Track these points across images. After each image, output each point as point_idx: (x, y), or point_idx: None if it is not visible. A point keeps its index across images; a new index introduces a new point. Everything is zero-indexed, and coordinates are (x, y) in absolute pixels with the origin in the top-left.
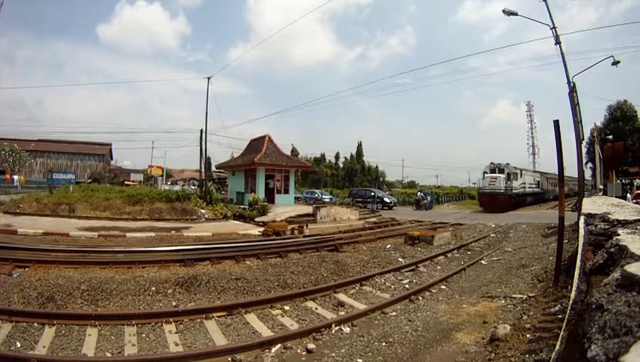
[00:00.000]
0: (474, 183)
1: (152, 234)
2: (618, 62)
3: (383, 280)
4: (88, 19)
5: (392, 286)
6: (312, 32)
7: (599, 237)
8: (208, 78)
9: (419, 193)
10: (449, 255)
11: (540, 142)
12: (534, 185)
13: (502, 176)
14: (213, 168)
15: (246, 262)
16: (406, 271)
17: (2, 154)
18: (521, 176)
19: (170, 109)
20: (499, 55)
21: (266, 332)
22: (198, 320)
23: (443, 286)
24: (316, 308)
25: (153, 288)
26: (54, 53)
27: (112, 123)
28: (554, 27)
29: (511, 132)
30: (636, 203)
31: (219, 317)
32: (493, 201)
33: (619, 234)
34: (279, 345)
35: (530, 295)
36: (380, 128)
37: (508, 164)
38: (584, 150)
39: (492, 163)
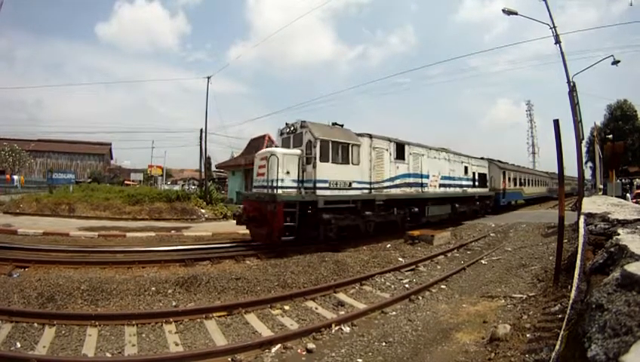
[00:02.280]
0: None
1: (152, 233)
2: (618, 61)
3: (382, 280)
4: (87, 19)
5: (392, 286)
6: (312, 31)
7: (599, 236)
8: (208, 78)
9: None
10: (449, 254)
11: (540, 141)
12: (470, 183)
13: (283, 155)
14: (213, 168)
15: (246, 261)
16: (406, 271)
17: (2, 154)
18: (397, 157)
19: (170, 109)
20: (499, 54)
21: (266, 332)
22: (198, 320)
23: (443, 286)
24: (316, 308)
25: (153, 288)
26: (54, 53)
27: (111, 123)
28: (554, 27)
29: (511, 131)
30: (636, 202)
31: (219, 317)
32: (257, 217)
33: (619, 234)
34: (279, 345)
35: (530, 294)
36: (379, 127)
37: (336, 125)
38: (584, 149)
39: (287, 124)
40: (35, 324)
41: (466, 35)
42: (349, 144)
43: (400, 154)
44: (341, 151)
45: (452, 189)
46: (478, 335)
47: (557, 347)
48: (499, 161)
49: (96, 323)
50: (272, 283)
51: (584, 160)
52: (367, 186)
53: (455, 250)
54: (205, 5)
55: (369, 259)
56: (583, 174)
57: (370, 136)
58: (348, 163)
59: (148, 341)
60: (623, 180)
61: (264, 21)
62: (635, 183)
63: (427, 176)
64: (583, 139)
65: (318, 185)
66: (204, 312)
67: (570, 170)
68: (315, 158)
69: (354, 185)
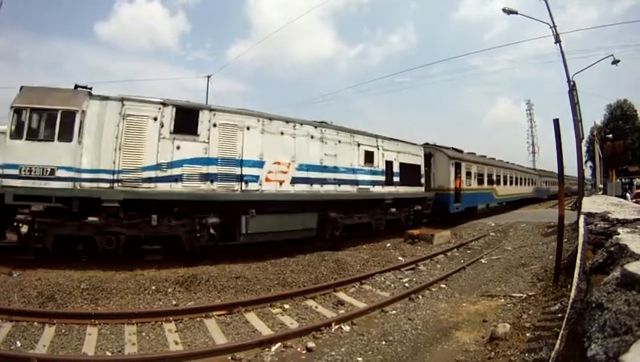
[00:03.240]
0: None
1: None
2: (618, 61)
3: (382, 279)
4: (87, 18)
5: (392, 285)
6: (312, 30)
7: (599, 236)
8: (208, 77)
9: None
10: (449, 253)
11: (540, 141)
12: (379, 178)
13: None
14: None
15: (246, 260)
16: (406, 270)
17: None
18: (179, 130)
19: None
20: (499, 53)
21: (265, 330)
22: (198, 319)
23: (443, 285)
24: (316, 307)
25: (153, 287)
26: (53, 52)
27: None
28: (554, 26)
29: (511, 130)
30: (636, 202)
31: (219, 315)
32: None
33: (619, 233)
34: (279, 344)
35: (530, 294)
36: (379, 127)
37: (78, 87)
38: (584, 149)
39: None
40: (35, 323)
41: (466, 33)
42: (56, 111)
43: (187, 125)
44: (44, 122)
45: (328, 187)
46: (477, 334)
47: (557, 346)
48: (453, 149)
49: (97, 322)
50: (272, 282)
51: (584, 159)
52: (107, 177)
53: (455, 249)
54: (205, 4)
55: (369, 258)
56: (582, 174)
57: (122, 100)
58: (52, 139)
59: (148, 339)
60: (623, 180)
61: (264, 20)
62: (635, 183)
63: (258, 164)
64: (582, 138)
65: (7, 171)
66: (204, 311)
67: (570, 169)
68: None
69: (60, 173)
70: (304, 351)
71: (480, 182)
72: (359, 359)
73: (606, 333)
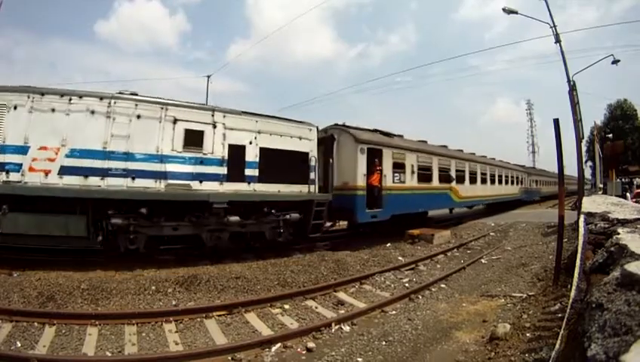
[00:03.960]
0: None
1: None
2: (618, 60)
3: (382, 279)
4: (86, 18)
5: (392, 285)
6: (312, 30)
7: (599, 236)
8: (208, 77)
9: None
10: (449, 253)
11: (540, 140)
12: (214, 170)
13: None
14: None
15: (246, 260)
16: (406, 270)
17: None
18: None
19: None
20: (499, 53)
21: (265, 331)
22: (198, 319)
23: (443, 285)
24: (316, 307)
25: (153, 287)
26: (51, 52)
27: None
28: (554, 26)
29: (511, 130)
30: (636, 202)
31: (219, 316)
32: None
33: (619, 233)
34: (279, 344)
35: (530, 294)
36: (379, 127)
37: None
38: (584, 149)
39: None
40: (36, 323)
41: (466, 33)
42: None
43: None
44: None
45: (113, 181)
46: (477, 334)
47: (557, 346)
48: (377, 132)
49: (97, 322)
50: (272, 282)
51: (584, 159)
52: None
53: (455, 249)
54: (205, 3)
55: (369, 258)
56: (583, 173)
57: None
58: None
59: (148, 340)
60: (623, 179)
61: (264, 19)
62: (635, 183)
63: (21, 150)
64: (583, 138)
65: None
66: (204, 311)
67: (570, 169)
68: None
69: None
70: (304, 352)
71: (425, 178)
72: (359, 359)
73: (606, 333)
